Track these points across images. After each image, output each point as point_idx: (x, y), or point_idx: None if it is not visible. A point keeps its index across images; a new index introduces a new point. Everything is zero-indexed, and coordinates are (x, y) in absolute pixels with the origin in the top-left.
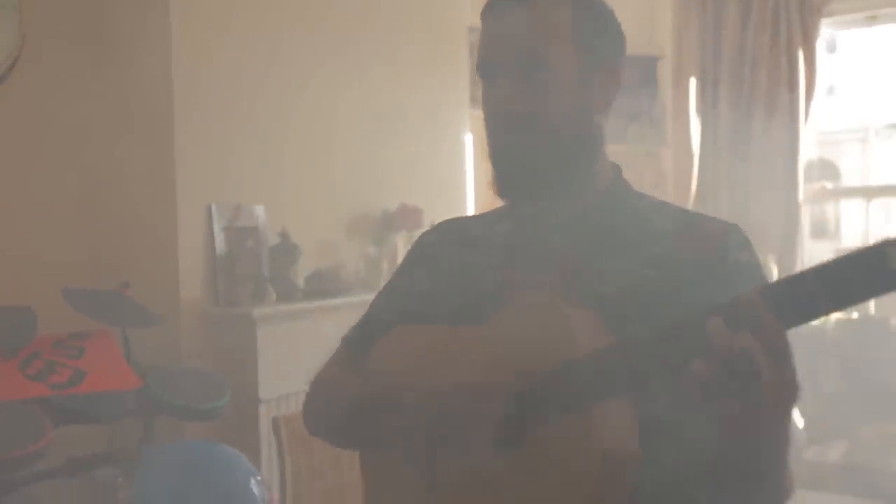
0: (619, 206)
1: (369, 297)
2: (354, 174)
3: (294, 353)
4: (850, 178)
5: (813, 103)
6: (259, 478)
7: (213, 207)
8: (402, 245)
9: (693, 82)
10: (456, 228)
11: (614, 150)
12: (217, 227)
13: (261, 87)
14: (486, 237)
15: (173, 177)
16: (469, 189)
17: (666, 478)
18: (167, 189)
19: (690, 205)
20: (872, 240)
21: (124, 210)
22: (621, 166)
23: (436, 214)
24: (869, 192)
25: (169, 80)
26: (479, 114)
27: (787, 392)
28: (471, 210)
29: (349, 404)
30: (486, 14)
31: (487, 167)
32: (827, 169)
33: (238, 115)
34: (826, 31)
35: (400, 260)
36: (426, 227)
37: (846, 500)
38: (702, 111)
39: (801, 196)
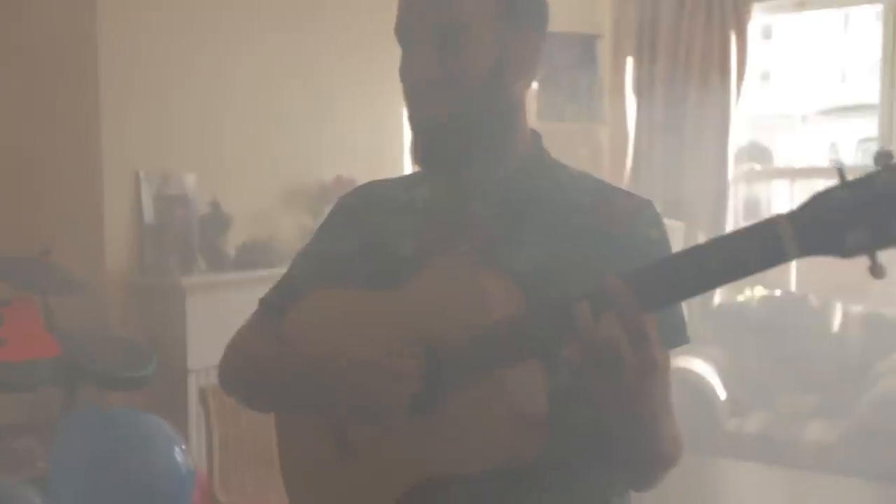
0: (538, 175)
1: None
2: (290, 144)
3: (224, 323)
4: (782, 161)
5: (744, 85)
6: (183, 447)
7: (142, 174)
8: None
9: (630, 61)
10: (376, 191)
11: (553, 128)
12: (145, 195)
13: (195, 52)
14: (406, 201)
15: (99, 142)
16: (406, 161)
17: (569, 441)
18: (93, 154)
19: (625, 182)
20: None
21: (47, 175)
22: (541, 135)
23: None
24: (794, 174)
25: (94, 41)
26: None
27: (648, 371)
28: None
29: (264, 369)
30: None
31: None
32: (759, 152)
33: (170, 81)
34: (759, 15)
35: None
36: None
37: (765, 469)
38: (638, 90)
39: (730, 175)
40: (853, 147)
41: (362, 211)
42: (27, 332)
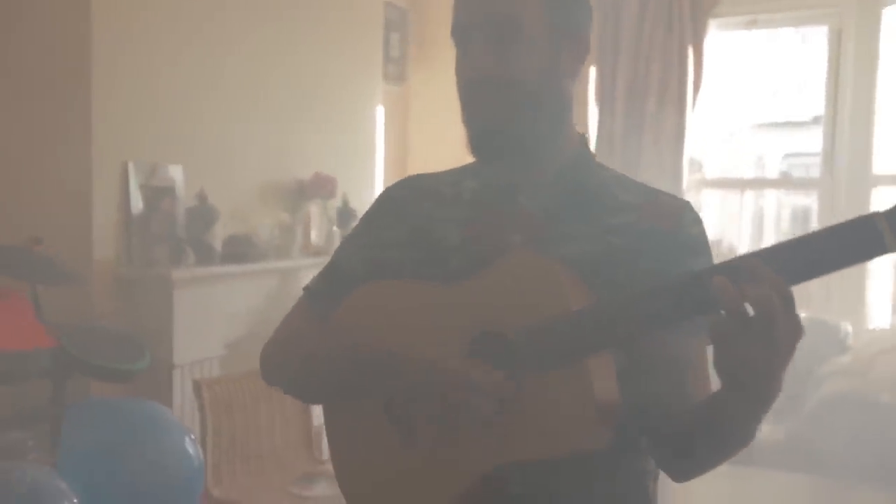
0: (585, 173)
1: (284, 263)
2: (270, 141)
3: (209, 317)
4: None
5: (699, 97)
6: (193, 437)
7: (130, 165)
8: (315, 213)
9: (593, 71)
10: (423, 184)
11: None
12: (133, 185)
13: (184, 46)
14: (453, 194)
15: (89, 131)
16: (379, 161)
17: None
18: (83, 143)
19: None
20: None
21: (36, 163)
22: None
23: (347, 185)
24: (727, 184)
25: (88, 32)
26: (391, 88)
27: (797, 335)
28: (380, 181)
29: (317, 359)
30: None
31: (460, 130)
32: (692, 163)
33: (159, 73)
34: (712, 31)
35: (313, 228)
36: (339, 197)
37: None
38: (600, 99)
39: (684, 184)
40: (779, 161)
41: (409, 201)
42: (19, 323)
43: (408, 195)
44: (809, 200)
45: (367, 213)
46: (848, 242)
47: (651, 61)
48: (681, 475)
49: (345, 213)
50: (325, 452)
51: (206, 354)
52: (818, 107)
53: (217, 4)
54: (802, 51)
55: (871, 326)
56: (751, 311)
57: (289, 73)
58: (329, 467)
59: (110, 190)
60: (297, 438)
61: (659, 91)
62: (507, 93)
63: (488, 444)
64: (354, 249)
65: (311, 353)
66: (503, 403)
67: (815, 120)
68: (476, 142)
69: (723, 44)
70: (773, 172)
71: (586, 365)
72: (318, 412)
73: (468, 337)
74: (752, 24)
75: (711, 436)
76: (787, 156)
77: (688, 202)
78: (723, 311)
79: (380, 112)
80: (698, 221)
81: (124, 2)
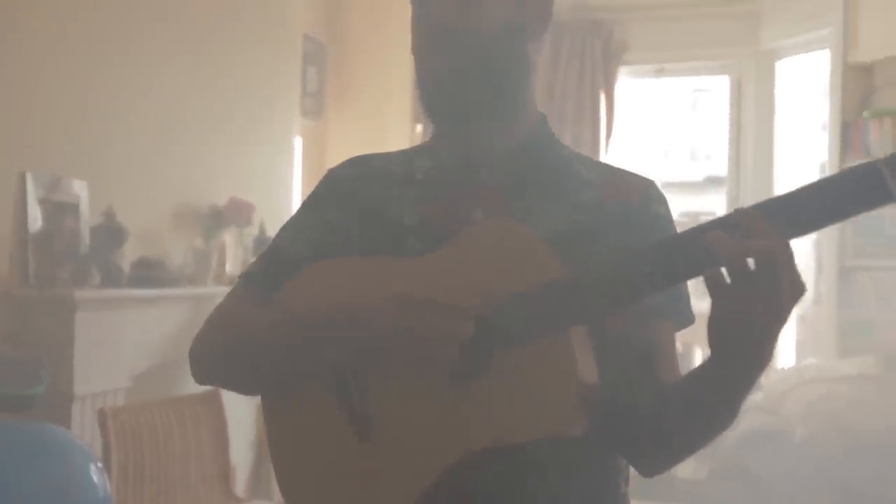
0: (547, 149)
1: (199, 290)
2: (183, 162)
3: (115, 345)
4: None
5: (612, 140)
6: (100, 464)
7: (29, 176)
8: (231, 242)
9: None
10: (371, 163)
11: None
12: (31, 199)
13: (97, 55)
14: (404, 172)
15: None
16: (297, 193)
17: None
18: None
19: None
20: None
21: None
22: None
23: (264, 214)
24: None
25: None
26: (308, 123)
27: (798, 291)
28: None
29: (267, 335)
30: None
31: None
32: None
33: (64, 80)
34: (623, 79)
35: (229, 256)
36: (256, 225)
37: None
38: None
39: None
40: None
41: (357, 181)
42: None
43: (355, 174)
44: None
45: (311, 194)
46: (851, 190)
47: (564, 105)
48: (650, 468)
49: (261, 241)
50: (244, 489)
51: (110, 385)
52: (712, 168)
53: (136, 18)
54: (707, 105)
55: (778, 366)
56: (751, 266)
57: (205, 95)
58: None
59: (5, 201)
60: (212, 473)
61: (572, 133)
62: (469, 44)
63: (457, 428)
64: (298, 232)
65: (249, 333)
66: (472, 386)
67: (709, 180)
68: (429, 99)
69: (634, 91)
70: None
71: (569, 341)
72: (237, 446)
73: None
74: (660, 73)
75: (692, 415)
76: (682, 214)
77: (653, 181)
78: (723, 267)
79: (297, 144)
80: (664, 200)
81: (35, 10)
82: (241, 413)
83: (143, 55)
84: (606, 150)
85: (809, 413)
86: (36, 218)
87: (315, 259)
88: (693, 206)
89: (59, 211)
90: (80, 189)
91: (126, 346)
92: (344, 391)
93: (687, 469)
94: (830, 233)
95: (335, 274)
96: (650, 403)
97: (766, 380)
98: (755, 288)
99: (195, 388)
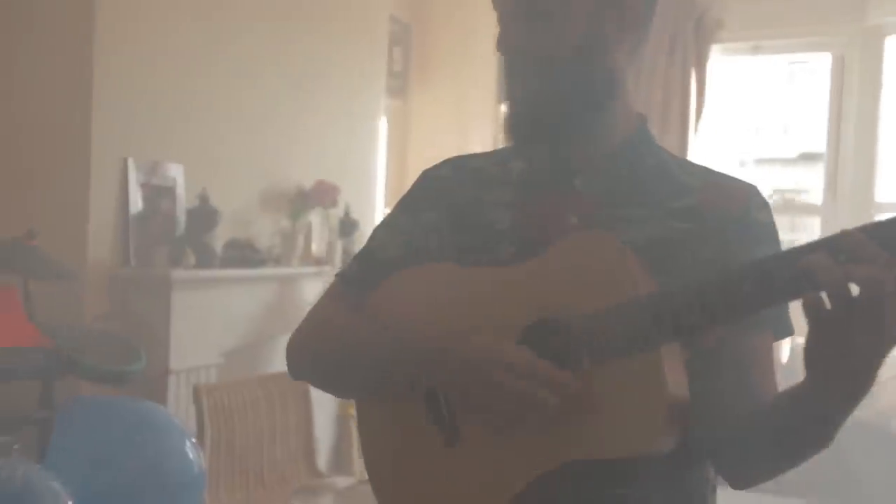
0: (643, 153)
1: (285, 271)
2: (272, 146)
3: (207, 323)
4: None
5: (702, 121)
6: (194, 440)
7: (130, 161)
8: (317, 222)
9: None
10: (466, 164)
11: None
12: (133, 183)
13: (187, 45)
14: (499, 174)
15: (89, 125)
16: (381, 174)
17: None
18: (82, 137)
19: None
20: None
21: (35, 157)
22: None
23: (349, 195)
24: None
25: (91, 25)
26: (393, 103)
27: None
28: (381, 194)
29: (356, 346)
30: None
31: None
32: None
33: (163, 70)
34: (716, 57)
35: (314, 237)
36: (341, 206)
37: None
38: None
39: None
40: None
41: (452, 182)
42: (9, 320)
43: (450, 175)
44: (795, 235)
45: (406, 194)
46: None
47: (653, 84)
48: (742, 482)
49: (346, 223)
50: (326, 465)
51: (203, 361)
52: (807, 144)
53: (225, 5)
54: (803, 80)
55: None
56: (855, 291)
57: (293, 80)
58: (329, 481)
59: (109, 187)
60: (297, 449)
61: (661, 115)
62: (543, 67)
63: (542, 444)
64: (392, 232)
65: (346, 343)
66: (565, 400)
67: (803, 157)
68: (510, 122)
69: (727, 68)
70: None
71: (659, 358)
72: (320, 422)
73: (523, 325)
74: (756, 50)
75: (785, 437)
76: (776, 191)
77: (754, 186)
78: (823, 293)
79: (382, 125)
80: (766, 206)
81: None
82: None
83: (234, 43)
84: (696, 130)
85: None
86: (136, 201)
87: (409, 261)
88: (786, 182)
89: (157, 194)
90: (176, 173)
91: (217, 324)
92: (433, 402)
93: None
94: None
95: (425, 283)
96: (743, 417)
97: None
98: (856, 317)
99: (282, 365)
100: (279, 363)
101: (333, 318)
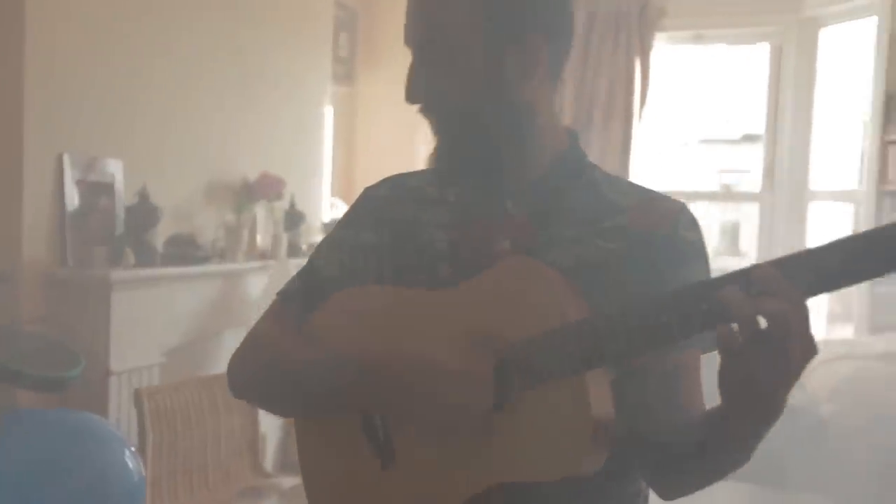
0: (573, 174)
1: (229, 266)
2: (215, 138)
3: (148, 322)
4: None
5: (646, 108)
6: (133, 449)
7: (66, 157)
8: (261, 215)
9: None
10: (406, 183)
11: None
12: (69, 180)
13: (125, 36)
14: (437, 195)
15: (20, 118)
16: (327, 163)
17: (632, 441)
18: (14, 131)
19: None
20: None
21: None
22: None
23: (295, 186)
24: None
25: (21, 11)
26: (339, 89)
27: (810, 352)
28: (327, 184)
29: (294, 367)
30: None
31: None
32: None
33: (99, 61)
34: (659, 45)
35: (259, 231)
36: (286, 198)
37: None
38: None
39: None
40: (715, 175)
41: (392, 202)
42: None
43: (390, 195)
44: (739, 215)
45: (347, 213)
46: (872, 251)
47: (598, 73)
48: (670, 492)
49: (292, 215)
50: (272, 464)
51: (144, 362)
52: (750, 126)
53: None
54: (742, 69)
55: None
56: (763, 323)
57: (236, 69)
58: (275, 481)
59: (43, 184)
60: (242, 449)
61: (606, 102)
62: (448, 116)
63: (475, 465)
64: (333, 252)
65: (287, 362)
66: (493, 422)
67: (746, 137)
68: (436, 158)
69: (670, 57)
70: (710, 186)
71: (583, 380)
72: (265, 421)
73: (458, 346)
74: (698, 39)
75: (706, 455)
76: (722, 171)
77: (683, 204)
78: (734, 324)
79: (328, 112)
80: (695, 225)
81: None
82: None
83: (171, 32)
84: (640, 117)
85: (837, 391)
86: (73, 198)
87: (349, 280)
88: (728, 163)
89: (95, 191)
90: (115, 168)
91: (159, 323)
92: (370, 426)
93: None
94: (868, 202)
95: (361, 304)
96: (671, 431)
97: None
98: (764, 348)
99: (225, 363)
100: (223, 361)
101: (273, 338)
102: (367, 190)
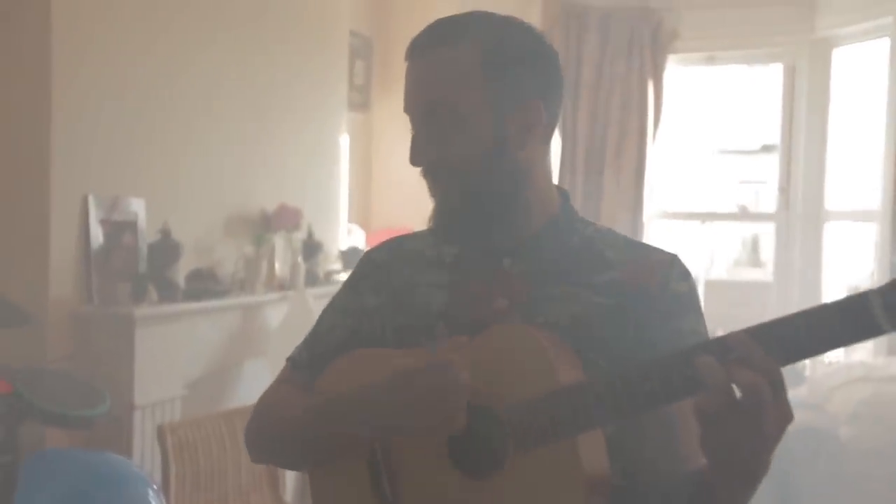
0: (566, 232)
1: (249, 299)
2: (233, 171)
3: (171, 357)
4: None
5: (660, 129)
6: (156, 487)
7: (91, 198)
8: (280, 245)
9: None
10: (404, 246)
11: None
12: (93, 219)
13: (144, 77)
14: (435, 257)
15: (48, 161)
16: (343, 191)
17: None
18: (40, 175)
19: None
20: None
21: None
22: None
23: (312, 216)
24: (684, 216)
25: (48, 59)
26: (355, 116)
27: (786, 420)
28: (344, 211)
29: (302, 420)
30: (406, 56)
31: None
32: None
33: (119, 104)
34: (672, 67)
35: (277, 261)
36: (304, 228)
37: None
38: (562, 130)
39: (644, 216)
40: (735, 187)
41: (391, 265)
42: None
43: (389, 258)
44: (758, 228)
45: (349, 277)
46: (839, 322)
47: (612, 93)
48: None
49: (310, 245)
50: (291, 494)
51: (167, 395)
52: (767, 137)
53: (181, 32)
54: (757, 88)
55: (826, 360)
56: (738, 393)
57: (252, 101)
58: None
59: (69, 224)
60: (263, 480)
61: (620, 122)
62: (450, 179)
63: None
64: (336, 316)
65: (289, 421)
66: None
67: (764, 148)
68: (434, 218)
69: (683, 78)
70: (728, 200)
71: (574, 440)
72: None
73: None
74: (710, 61)
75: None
76: (742, 182)
77: (675, 256)
78: (709, 393)
79: (344, 140)
80: (686, 276)
81: (87, 30)
82: None
83: (191, 70)
84: (654, 139)
85: (856, 413)
86: (97, 237)
87: (353, 344)
88: (751, 174)
89: (119, 230)
90: (137, 207)
91: (181, 356)
92: (375, 474)
93: None
94: (884, 221)
95: (360, 367)
96: (667, 480)
97: (813, 373)
98: (739, 416)
99: (245, 393)
100: (244, 392)
101: (283, 404)
102: (368, 253)
